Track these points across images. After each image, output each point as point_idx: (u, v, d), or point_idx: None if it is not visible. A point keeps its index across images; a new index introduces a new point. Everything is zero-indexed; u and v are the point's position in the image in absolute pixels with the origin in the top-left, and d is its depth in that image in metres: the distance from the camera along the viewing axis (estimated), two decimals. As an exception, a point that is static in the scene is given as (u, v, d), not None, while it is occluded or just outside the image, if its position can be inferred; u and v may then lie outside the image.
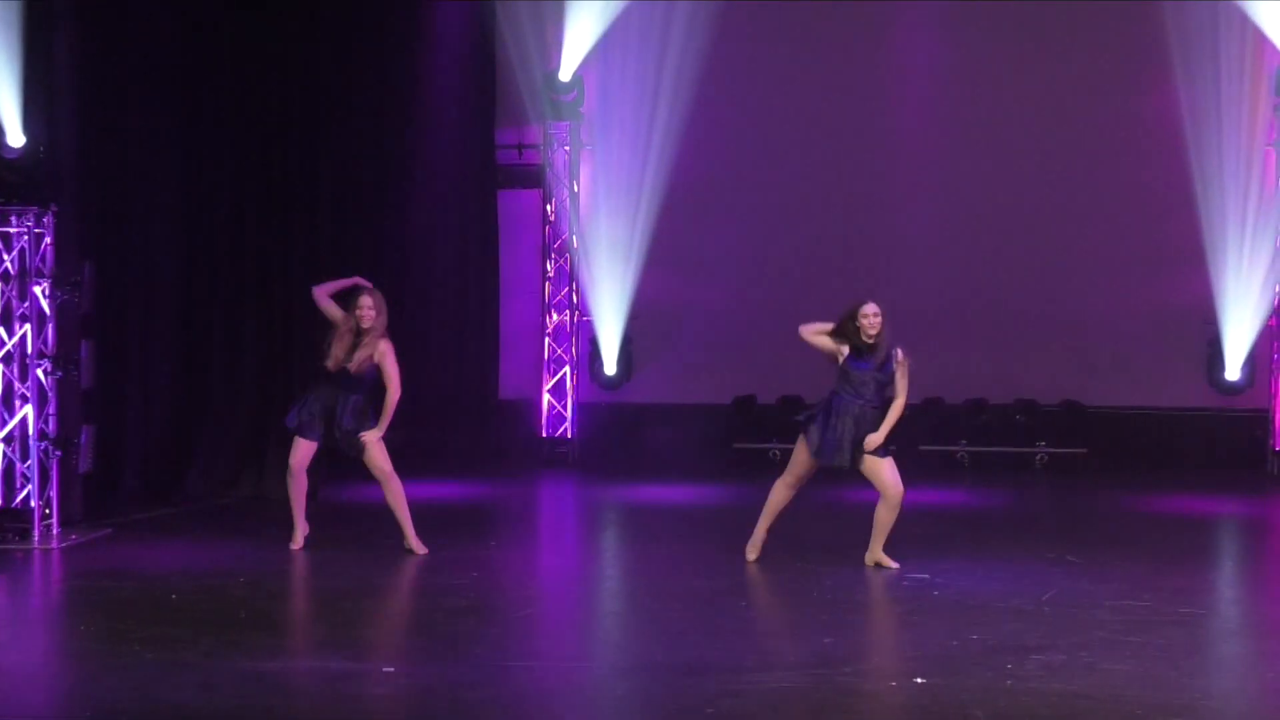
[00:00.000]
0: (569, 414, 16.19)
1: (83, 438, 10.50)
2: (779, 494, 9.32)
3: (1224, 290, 15.09)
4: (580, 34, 15.52)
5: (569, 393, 16.20)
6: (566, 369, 16.20)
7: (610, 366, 16.14)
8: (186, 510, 11.55)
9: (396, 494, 9.56)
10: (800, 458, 9.16)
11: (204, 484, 12.23)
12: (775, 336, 16.03)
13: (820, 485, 13.97)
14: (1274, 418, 15.19)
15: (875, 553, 9.15)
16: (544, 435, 16.11)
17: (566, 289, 16.34)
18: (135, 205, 11.74)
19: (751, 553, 9.30)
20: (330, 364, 9.41)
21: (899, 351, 9.11)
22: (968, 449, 15.30)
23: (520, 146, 16.25)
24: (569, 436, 16.18)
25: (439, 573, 8.99)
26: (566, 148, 16.06)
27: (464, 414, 15.48)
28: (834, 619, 7.60)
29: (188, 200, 12.23)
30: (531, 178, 16.28)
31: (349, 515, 11.58)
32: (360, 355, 9.37)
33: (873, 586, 8.53)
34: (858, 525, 11.37)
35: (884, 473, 9.02)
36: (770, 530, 9.32)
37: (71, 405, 10.38)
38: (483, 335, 16.15)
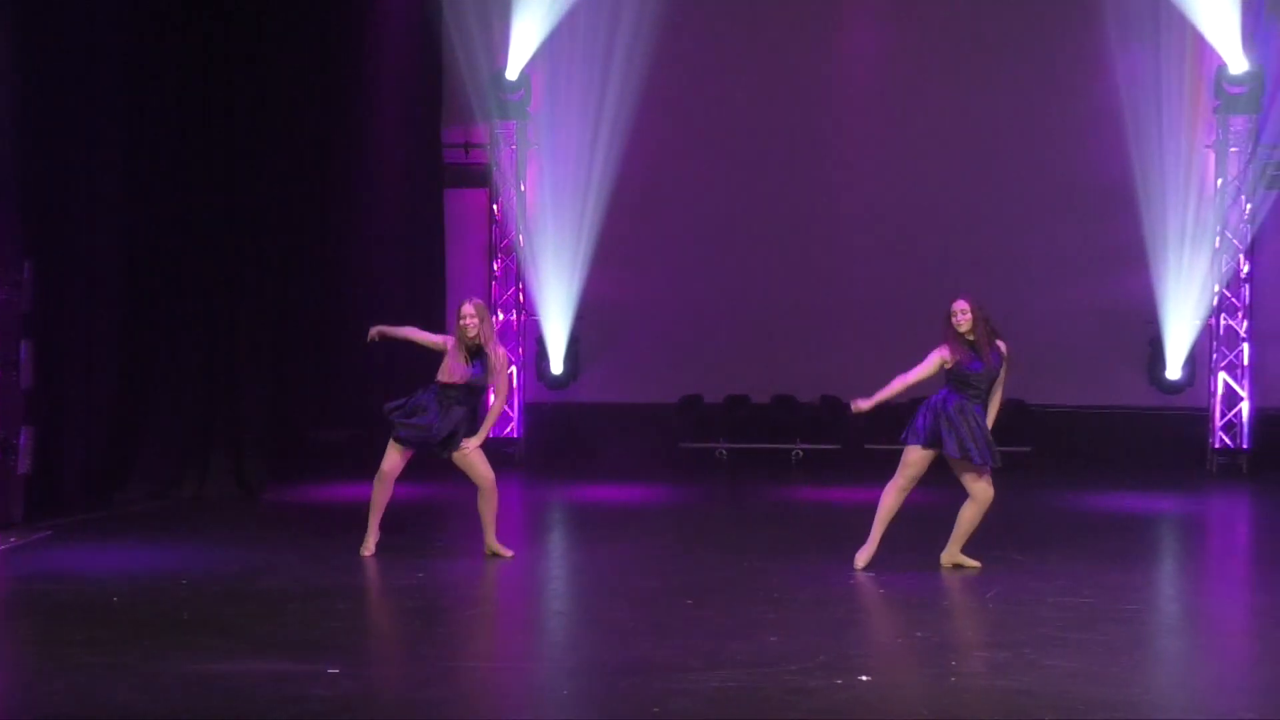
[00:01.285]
0: (515, 413, 16.17)
1: (21, 439, 10.38)
2: (891, 498, 9.11)
3: (1165, 290, 15.26)
4: (527, 33, 15.50)
5: (516, 392, 16.17)
6: (513, 368, 16.17)
7: (557, 366, 16.13)
8: (128, 512, 11.44)
9: (491, 501, 9.48)
10: (912, 458, 9.02)
11: (146, 486, 12.12)
12: (721, 336, 16.14)
13: (766, 484, 14.06)
14: (1213, 416, 15.37)
15: (954, 553, 9.09)
16: (490, 435, 16.06)
17: (513, 289, 16.32)
18: (77, 204, 11.62)
19: (861, 561, 9.04)
20: (456, 378, 9.27)
21: (1003, 345, 9.01)
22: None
23: (467, 146, 16.21)
24: (515, 436, 16.16)
25: (386, 573, 8.95)
26: (513, 147, 16.03)
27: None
28: (780, 617, 7.62)
29: (130, 199, 12.12)
30: (478, 177, 16.24)
31: (294, 516, 11.52)
32: (491, 378, 9.32)
33: (817, 585, 8.56)
34: (802, 524, 11.43)
35: (978, 473, 8.93)
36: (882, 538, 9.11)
37: (11, 406, 10.26)
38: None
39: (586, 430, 16.10)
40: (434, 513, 12.19)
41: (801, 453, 15.74)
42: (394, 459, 9.43)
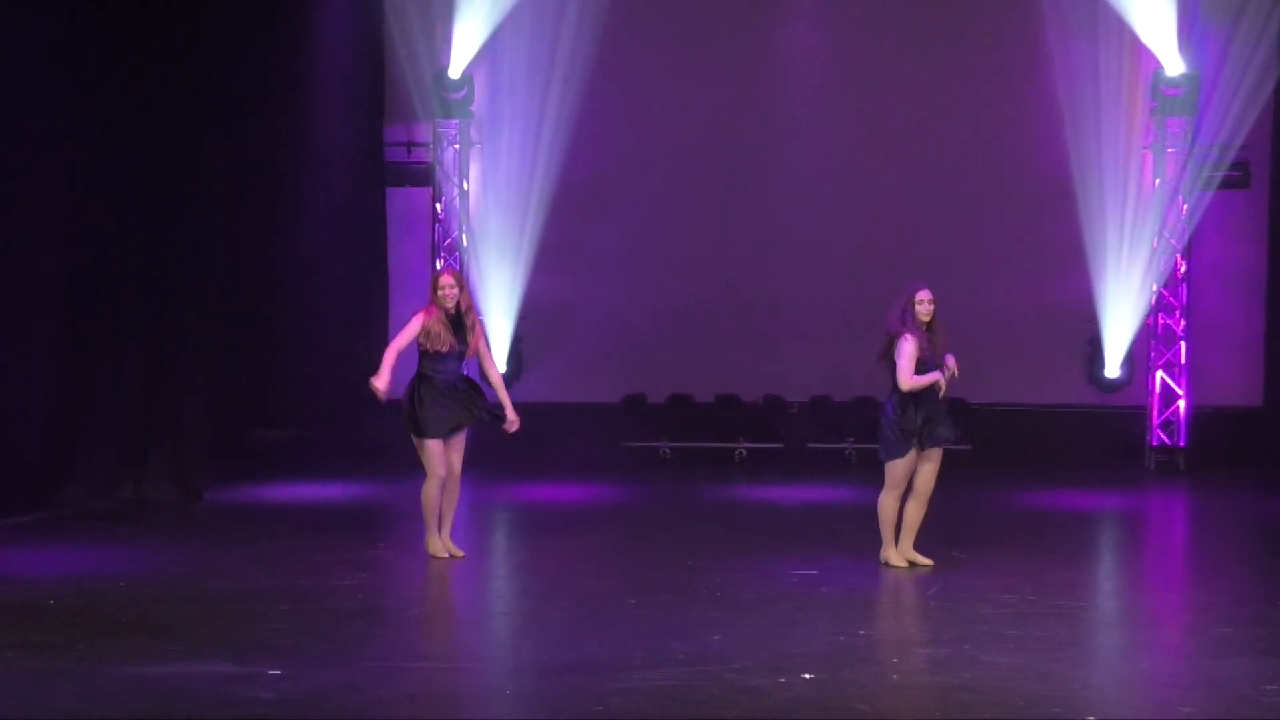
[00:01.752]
0: (459, 413, 16.10)
1: (-42, 440, 10.26)
2: (888, 508, 9.07)
3: (1104, 290, 15.41)
4: (470, 32, 15.46)
5: (459, 392, 16.10)
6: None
7: (500, 365, 16.10)
8: (68, 514, 11.32)
9: (454, 494, 9.46)
10: (899, 470, 8.95)
11: (86, 487, 11.99)
12: (665, 336, 16.15)
13: (709, 483, 14.09)
14: (1151, 415, 15.54)
15: (907, 550, 9.07)
16: (434, 435, 16.01)
17: (456, 288, 16.25)
18: (13, 206, 11.47)
19: (896, 559, 9.04)
20: (444, 347, 9.17)
21: (951, 358, 8.97)
22: (855, 446, 15.45)
23: (409, 144, 16.15)
24: (458, 436, 16.09)
25: (328, 574, 8.91)
26: (456, 146, 15.98)
27: (354, 413, 15.34)
28: (722, 616, 7.64)
29: (68, 201, 11.98)
30: (421, 176, 16.18)
31: (235, 517, 11.44)
32: (472, 339, 9.24)
33: (760, 583, 8.59)
34: (745, 523, 11.46)
35: (931, 468, 8.95)
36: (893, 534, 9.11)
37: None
38: (371, 334, 16.02)
39: (530, 429, 16.05)
40: (377, 513, 12.15)
41: (744, 452, 15.78)
42: (440, 457, 9.30)
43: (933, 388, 8.88)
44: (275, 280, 14.60)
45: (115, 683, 6.22)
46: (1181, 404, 15.47)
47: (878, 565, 9.14)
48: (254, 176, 13.90)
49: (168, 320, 12.45)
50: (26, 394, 11.66)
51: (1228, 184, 15.35)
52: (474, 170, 16.13)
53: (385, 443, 15.54)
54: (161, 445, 12.28)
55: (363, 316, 15.91)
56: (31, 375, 11.71)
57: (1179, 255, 15.48)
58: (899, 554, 9.07)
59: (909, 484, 9.04)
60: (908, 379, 8.84)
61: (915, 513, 9.09)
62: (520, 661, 6.97)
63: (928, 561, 9.06)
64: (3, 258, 11.29)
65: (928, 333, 8.95)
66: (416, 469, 14.74)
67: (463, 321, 9.25)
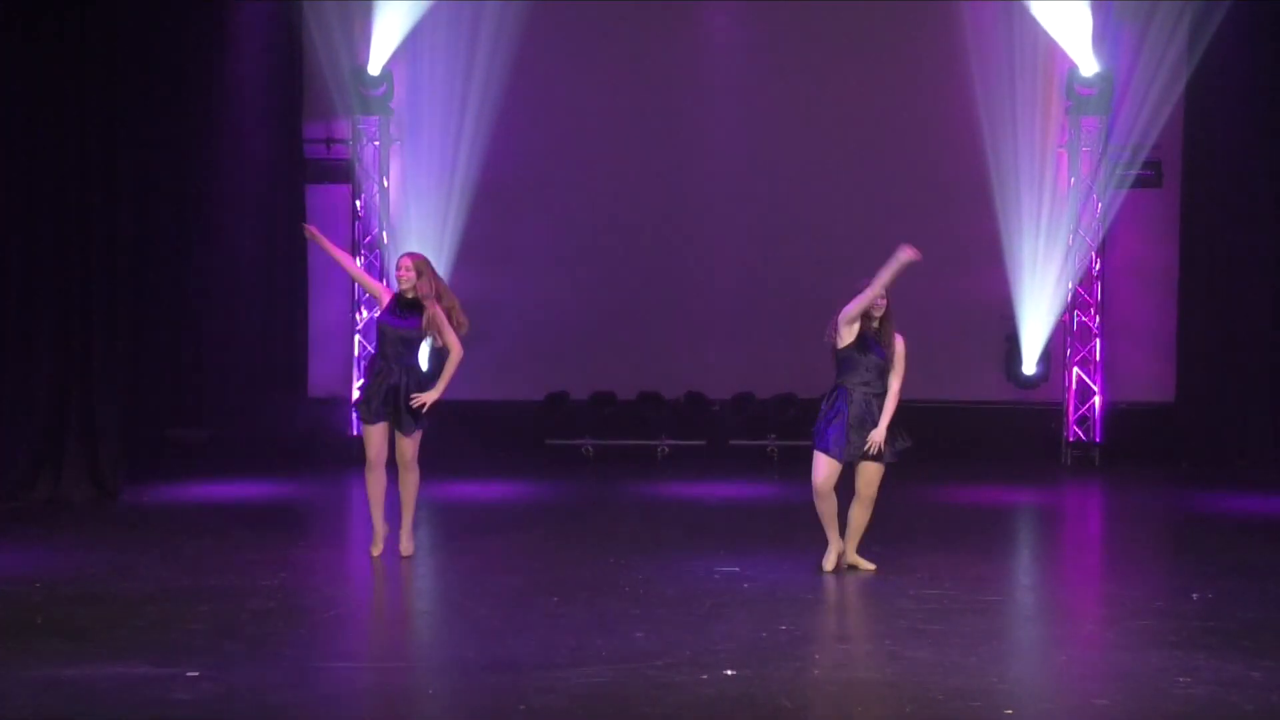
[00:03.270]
0: (379, 411, 16.01)
1: None
2: (826, 503, 8.86)
3: (1020, 287, 15.58)
4: (389, 28, 15.37)
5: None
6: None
7: (422, 363, 16.01)
8: (-21, 514, 11.14)
9: (412, 488, 9.39)
10: (822, 470, 8.77)
11: (-2, 487, 11.80)
12: (587, 332, 16.15)
13: (632, 480, 14.11)
14: (1068, 411, 15.75)
15: (851, 555, 8.97)
16: (354, 433, 15.92)
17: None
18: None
19: (829, 563, 8.91)
20: (390, 330, 9.17)
21: (899, 338, 8.89)
22: (777, 443, 15.53)
23: (328, 141, 16.03)
24: (379, 434, 16.00)
25: (245, 574, 8.82)
26: (376, 142, 15.89)
27: (272, 411, 15.22)
28: (645, 613, 7.66)
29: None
30: (340, 172, 16.07)
31: (152, 517, 11.30)
32: (427, 327, 9.21)
33: (683, 580, 8.62)
34: (668, 520, 11.49)
35: (873, 472, 8.81)
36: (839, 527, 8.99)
37: None
38: (291, 332, 15.89)
39: (451, 427, 16.01)
40: (296, 512, 12.04)
41: (667, 449, 15.82)
42: (374, 442, 9.26)
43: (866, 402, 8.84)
44: (194, 277, 14.44)
45: (29, 686, 6.13)
46: (1097, 400, 15.69)
47: (799, 561, 9.18)
48: (171, 173, 13.74)
49: (83, 318, 12.26)
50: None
51: (1140, 183, 15.57)
52: (394, 167, 16.04)
53: (304, 441, 15.50)
54: (77, 444, 12.10)
55: (283, 314, 15.77)
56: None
57: (1094, 253, 15.70)
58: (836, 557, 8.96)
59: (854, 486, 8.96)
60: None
61: (858, 516, 9.01)
62: (442, 660, 6.94)
63: (869, 566, 8.99)
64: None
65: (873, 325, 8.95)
66: (338, 467, 14.69)
67: (419, 307, 9.19)
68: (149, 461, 13.17)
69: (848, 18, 15.90)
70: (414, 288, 9.18)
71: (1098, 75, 15.08)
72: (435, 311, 9.20)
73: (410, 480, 9.43)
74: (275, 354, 15.62)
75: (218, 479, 13.21)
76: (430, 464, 14.91)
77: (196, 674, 6.32)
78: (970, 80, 15.31)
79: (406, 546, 9.46)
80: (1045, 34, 15.20)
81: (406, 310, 9.23)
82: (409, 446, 9.34)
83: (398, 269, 9.29)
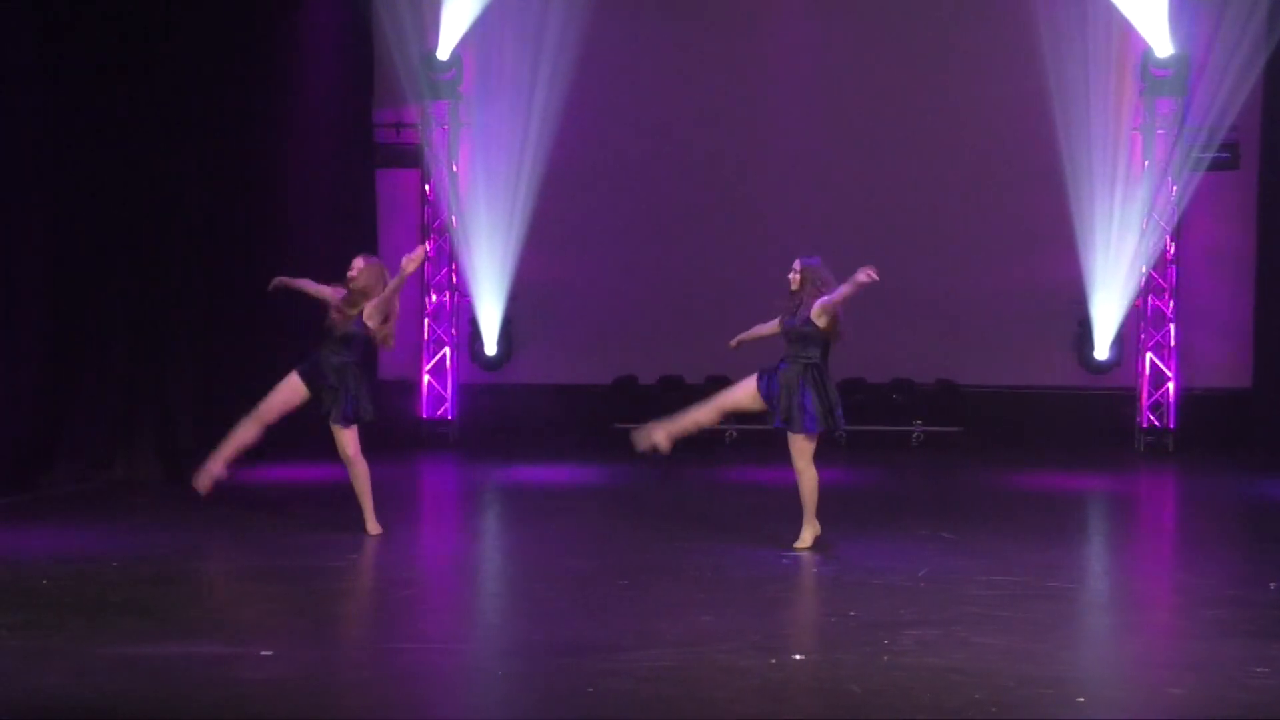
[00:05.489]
0: (449, 394, 16.12)
1: (-53, 421, 10.23)
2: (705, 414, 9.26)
3: (1093, 271, 15.43)
4: (458, 12, 15.42)
5: (449, 373, 16.13)
6: (446, 349, 16.13)
7: (490, 347, 16.09)
8: (55, 495, 11.31)
9: (361, 478, 9.48)
10: (742, 394, 9.12)
11: (73, 468, 11.97)
12: (655, 317, 16.15)
13: (700, 465, 14.10)
14: (1141, 397, 15.57)
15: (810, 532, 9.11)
16: (424, 416, 16.03)
17: (446, 269, 16.25)
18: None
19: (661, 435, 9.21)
20: (334, 330, 9.37)
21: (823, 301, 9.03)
22: (845, 428, 15.45)
23: (398, 126, 16.11)
24: (449, 417, 16.11)
25: (317, 555, 8.90)
26: (445, 127, 15.95)
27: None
28: (711, 597, 7.65)
29: (54, 183, 11.93)
30: (410, 157, 16.16)
31: (224, 498, 11.41)
32: (349, 314, 9.33)
33: (749, 564, 8.60)
34: (735, 505, 11.48)
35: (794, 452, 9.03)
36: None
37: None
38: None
39: (520, 411, 16.09)
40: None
41: (735, 433, 15.79)
42: (279, 394, 9.48)
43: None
44: (264, 260, 14.55)
45: (106, 663, 6.22)
46: (1171, 386, 15.50)
47: (867, 546, 9.14)
48: (242, 158, 13.84)
49: (155, 302, 12.42)
50: (14, 376, 11.63)
51: (1217, 165, 15.35)
52: (463, 151, 16.10)
53: (374, 423, 15.59)
54: (150, 426, 12.27)
55: (352, 298, 15.86)
56: (19, 357, 11.68)
57: (1168, 237, 15.50)
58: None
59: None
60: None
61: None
62: (510, 643, 6.97)
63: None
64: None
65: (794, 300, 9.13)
66: (408, 450, 14.79)
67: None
68: (220, 443, 13.29)
69: (917, 4, 15.78)
70: (362, 283, 9.36)
71: (1173, 56, 14.87)
72: (367, 305, 9.32)
73: (356, 474, 9.49)
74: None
75: (288, 461, 13.32)
76: (498, 447, 15.04)
77: (268, 653, 6.39)
78: (1043, 63, 15.15)
79: (374, 527, 9.51)
80: (1119, 15, 15.01)
81: (352, 307, 9.35)
82: (347, 439, 9.38)
83: (351, 268, 9.43)
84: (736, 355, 16.38)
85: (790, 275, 9.29)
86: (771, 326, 9.32)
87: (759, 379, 9.13)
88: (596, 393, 15.90)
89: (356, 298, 9.37)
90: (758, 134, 16.05)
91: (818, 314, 9.00)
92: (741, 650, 6.47)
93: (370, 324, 9.36)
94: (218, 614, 7.27)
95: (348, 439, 9.43)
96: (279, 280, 9.83)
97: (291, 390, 9.47)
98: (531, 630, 7.11)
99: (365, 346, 9.58)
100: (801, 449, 9.05)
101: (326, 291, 9.61)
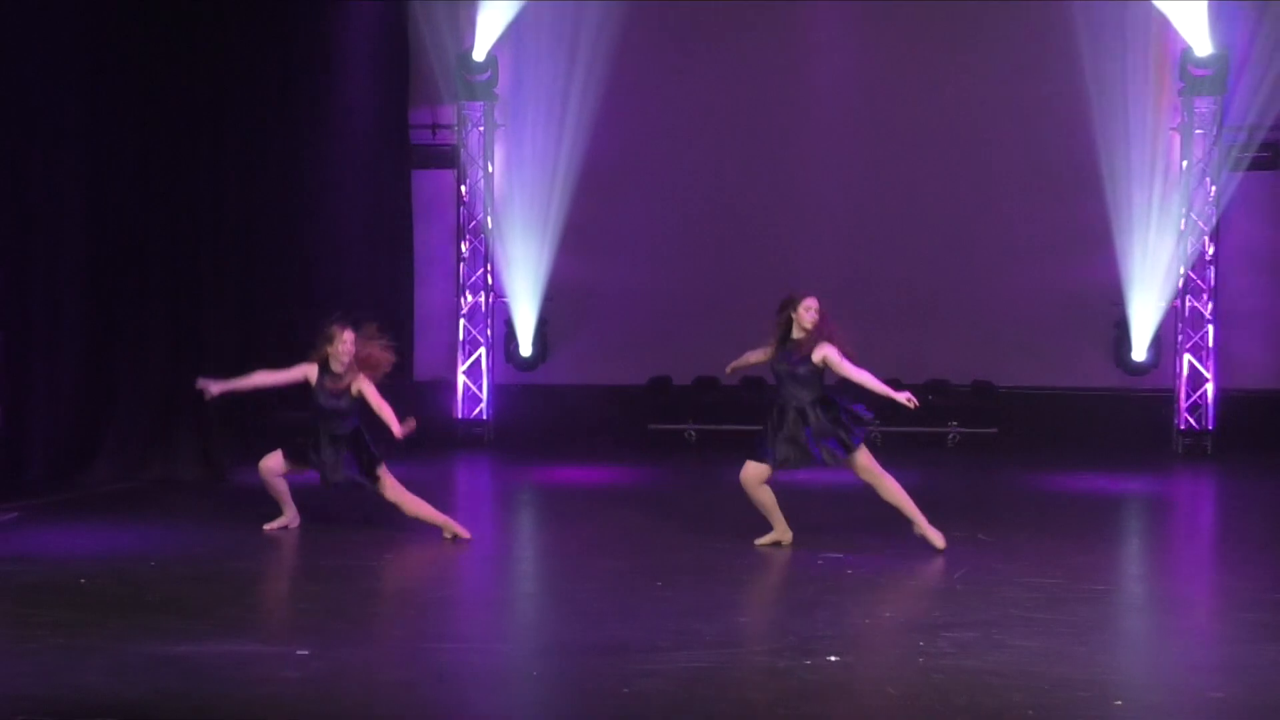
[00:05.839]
0: (484, 395, 16.14)
1: (-13, 420, 10.31)
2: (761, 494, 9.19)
3: (1130, 272, 15.33)
4: (494, 13, 15.44)
5: (484, 374, 16.15)
6: (482, 350, 16.15)
7: (526, 347, 16.11)
8: (95, 494, 11.39)
9: (416, 509, 9.51)
10: (754, 475, 9.07)
11: (112, 467, 12.06)
12: (690, 317, 16.12)
13: (735, 466, 14.07)
14: (1179, 398, 15.46)
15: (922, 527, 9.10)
16: (459, 417, 16.06)
17: (481, 270, 16.27)
18: (40, 193, 11.53)
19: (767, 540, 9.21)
20: (327, 404, 9.44)
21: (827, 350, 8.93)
22: (881, 429, 15.42)
23: (434, 126, 16.15)
24: (484, 418, 16.13)
25: (353, 554, 8.93)
26: (481, 128, 15.98)
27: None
28: (748, 598, 7.65)
29: (93, 187, 12.03)
30: (445, 158, 16.20)
31: (261, 497, 11.47)
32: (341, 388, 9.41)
33: (786, 566, 8.59)
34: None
35: (868, 464, 9.01)
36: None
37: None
38: (396, 316, 16.03)
39: (555, 412, 16.09)
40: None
41: (694, 434, 15.75)
42: (277, 461, 9.52)
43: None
44: (300, 261, 14.61)
45: (144, 661, 6.25)
46: (1209, 387, 15.38)
47: (903, 548, 9.11)
48: (279, 159, 13.90)
49: (193, 302, 12.49)
50: (54, 376, 11.74)
51: (1257, 165, 15.23)
52: (499, 152, 16.13)
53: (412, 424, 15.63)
54: (188, 426, 12.34)
55: (388, 299, 15.92)
56: (59, 358, 11.78)
57: (1207, 237, 15.39)
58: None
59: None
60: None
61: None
62: (546, 643, 6.98)
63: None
64: (30, 243, 11.36)
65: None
66: (444, 451, 14.82)
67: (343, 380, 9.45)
68: (257, 443, 13.35)
69: (953, 3, 15.72)
70: (352, 359, 9.38)
71: (1213, 55, 14.77)
72: (363, 384, 9.36)
73: (412, 510, 9.51)
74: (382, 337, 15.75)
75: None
76: (533, 447, 15.04)
77: (306, 652, 6.41)
78: (1080, 62, 15.07)
79: (463, 531, 9.54)
80: (1158, 13, 14.91)
81: (335, 383, 9.35)
82: (385, 489, 9.44)
83: (343, 342, 9.37)
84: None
85: (806, 313, 9.00)
86: (761, 353, 9.19)
87: (762, 455, 8.99)
88: (631, 393, 15.90)
89: (348, 373, 9.35)
90: (793, 134, 16.01)
91: (819, 358, 8.90)
92: (778, 651, 6.46)
93: (363, 389, 9.34)
94: (255, 613, 7.31)
95: (385, 489, 9.47)
96: (212, 389, 9.60)
97: (286, 462, 9.49)
98: (568, 630, 7.12)
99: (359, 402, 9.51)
100: (863, 465, 8.97)
101: (296, 376, 9.49)
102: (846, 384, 9.09)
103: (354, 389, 9.37)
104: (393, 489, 9.50)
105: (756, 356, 9.28)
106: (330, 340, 9.38)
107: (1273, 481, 13.47)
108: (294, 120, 14.13)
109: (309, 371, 9.43)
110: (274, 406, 14.49)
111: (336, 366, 9.39)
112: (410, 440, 9.53)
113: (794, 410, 8.96)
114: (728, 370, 9.61)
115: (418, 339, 16.14)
